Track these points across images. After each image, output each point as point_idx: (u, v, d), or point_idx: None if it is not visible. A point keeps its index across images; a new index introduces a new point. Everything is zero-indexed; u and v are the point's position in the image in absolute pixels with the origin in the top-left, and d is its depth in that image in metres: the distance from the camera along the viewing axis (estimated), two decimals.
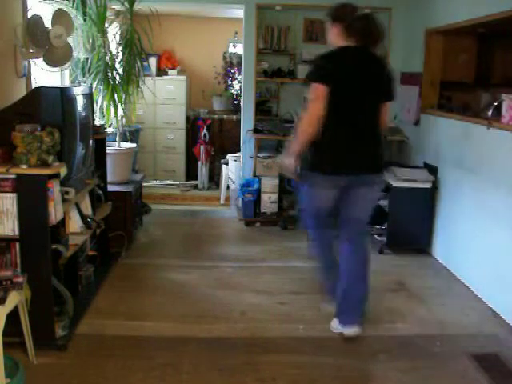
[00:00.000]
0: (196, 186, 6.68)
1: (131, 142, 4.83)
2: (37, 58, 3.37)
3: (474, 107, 4.28)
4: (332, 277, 3.07)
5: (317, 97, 2.75)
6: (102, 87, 4.21)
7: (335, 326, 3.01)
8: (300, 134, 2.84)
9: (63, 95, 2.79)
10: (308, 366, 2.69)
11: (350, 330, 2.93)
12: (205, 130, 6.49)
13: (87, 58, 4.18)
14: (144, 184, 5.21)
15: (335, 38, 2.98)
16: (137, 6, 4.28)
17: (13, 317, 2.40)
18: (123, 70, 4.32)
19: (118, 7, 4.47)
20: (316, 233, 3.10)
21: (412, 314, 3.28)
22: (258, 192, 5.04)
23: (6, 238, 2.61)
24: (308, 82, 2.83)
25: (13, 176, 2.54)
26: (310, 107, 2.79)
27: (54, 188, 2.62)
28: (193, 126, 6.82)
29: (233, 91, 7.07)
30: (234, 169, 5.76)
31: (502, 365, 2.72)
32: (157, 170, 6.87)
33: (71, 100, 2.96)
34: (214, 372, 2.60)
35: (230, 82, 7.10)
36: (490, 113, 3.49)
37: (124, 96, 4.33)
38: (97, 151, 3.55)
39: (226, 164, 5.98)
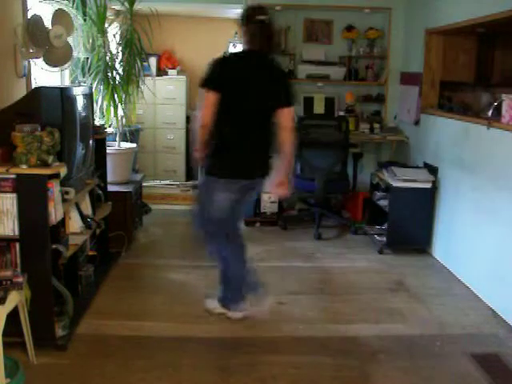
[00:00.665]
0: (196, 186, 6.67)
1: (131, 142, 4.83)
2: (37, 57, 3.37)
3: (474, 107, 4.28)
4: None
5: (206, 104, 2.74)
6: (102, 87, 4.22)
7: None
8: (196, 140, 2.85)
9: (63, 95, 2.79)
10: (308, 366, 2.69)
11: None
12: None
13: (87, 58, 4.18)
14: (144, 184, 5.21)
15: (241, 40, 2.96)
16: (137, 6, 4.28)
17: (13, 317, 2.40)
18: (123, 70, 4.32)
19: (117, 7, 4.47)
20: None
21: (412, 314, 3.28)
22: (258, 192, 5.03)
23: (5, 238, 2.61)
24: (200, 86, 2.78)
25: (13, 176, 2.54)
26: (201, 113, 2.77)
27: (54, 188, 2.62)
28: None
29: None
30: None
31: (502, 365, 2.72)
32: (157, 170, 6.87)
33: (71, 100, 2.96)
34: (214, 372, 2.60)
35: None
36: (490, 113, 3.49)
37: (124, 96, 4.34)
38: (97, 151, 3.54)
39: None
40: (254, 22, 2.84)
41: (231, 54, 2.94)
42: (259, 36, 2.82)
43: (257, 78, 2.84)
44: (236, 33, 6.88)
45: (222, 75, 2.79)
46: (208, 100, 2.74)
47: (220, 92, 2.73)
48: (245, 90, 2.80)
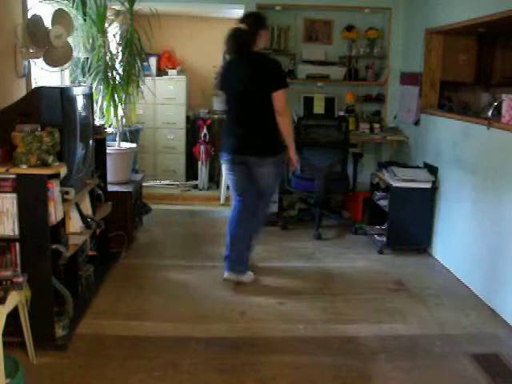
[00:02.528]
0: (196, 186, 6.67)
1: (131, 141, 4.83)
2: (37, 57, 3.37)
3: (474, 107, 4.29)
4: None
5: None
6: (102, 87, 4.21)
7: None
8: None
9: (63, 95, 2.79)
10: (308, 366, 2.69)
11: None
12: (205, 130, 6.48)
13: (87, 58, 4.18)
14: (144, 184, 5.21)
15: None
16: (137, 6, 4.28)
17: (13, 317, 2.40)
18: (123, 70, 4.32)
19: (117, 7, 4.47)
20: None
21: (412, 314, 3.28)
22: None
23: (5, 238, 2.61)
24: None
25: (13, 176, 2.54)
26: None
27: (54, 188, 2.62)
28: (193, 125, 6.82)
29: None
30: None
31: (502, 365, 2.72)
32: (157, 170, 6.87)
33: (71, 100, 2.96)
34: (213, 372, 2.60)
35: None
36: (490, 113, 3.49)
37: (124, 96, 4.33)
38: (97, 151, 3.54)
39: None
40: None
41: (230, 58, 3.62)
42: (228, 42, 3.49)
43: (239, 73, 3.46)
44: None
45: (220, 76, 3.63)
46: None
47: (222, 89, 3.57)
48: (231, 84, 3.50)
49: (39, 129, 2.64)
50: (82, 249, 3.30)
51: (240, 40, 3.43)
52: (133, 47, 4.31)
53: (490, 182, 3.48)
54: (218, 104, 3.73)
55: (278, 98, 3.37)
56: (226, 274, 3.63)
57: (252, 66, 3.46)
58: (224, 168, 3.78)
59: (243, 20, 3.50)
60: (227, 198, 5.95)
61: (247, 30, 3.41)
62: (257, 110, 3.46)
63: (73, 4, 3.80)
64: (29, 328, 2.55)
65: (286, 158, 3.66)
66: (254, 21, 3.47)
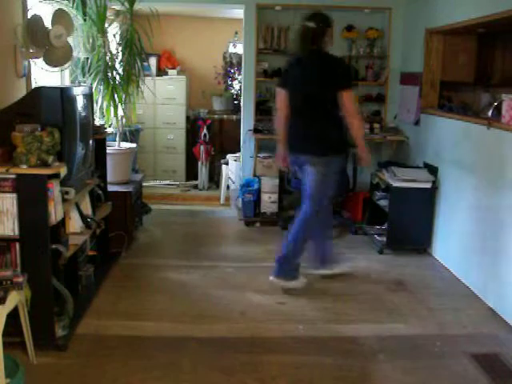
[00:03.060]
0: (196, 186, 6.68)
1: (131, 141, 4.83)
2: (37, 57, 3.37)
3: (474, 107, 4.29)
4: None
5: (277, 101, 3.54)
6: (102, 87, 4.21)
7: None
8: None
9: (63, 95, 2.79)
10: (308, 366, 2.69)
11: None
12: (205, 130, 6.49)
13: (87, 58, 4.18)
14: (144, 184, 5.21)
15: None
16: (137, 6, 4.28)
17: (13, 317, 2.40)
18: (123, 70, 4.32)
19: (117, 7, 4.46)
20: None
21: (412, 314, 3.28)
22: (258, 192, 5.04)
23: (5, 238, 2.61)
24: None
25: (13, 176, 2.54)
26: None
27: (54, 188, 2.62)
28: (193, 125, 6.82)
29: (233, 91, 7.07)
30: (233, 169, 5.77)
31: (502, 365, 2.72)
32: (157, 170, 6.87)
33: (71, 100, 2.96)
34: (214, 372, 2.60)
35: (230, 82, 7.09)
36: (490, 113, 3.49)
37: (124, 96, 4.33)
38: (97, 151, 3.54)
39: (226, 164, 5.98)
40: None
41: (293, 57, 3.63)
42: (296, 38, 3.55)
43: (306, 71, 3.43)
44: (236, 33, 6.90)
45: (285, 74, 3.65)
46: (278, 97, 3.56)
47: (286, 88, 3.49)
48: (298, 82, 3.44)
49: (39, 129, 2.64)
50: (82, 249, 3.30)
51: (310, 38, 3.38)
52: (133, 47, 4.31)
53: (490, 181, 3.48)
54: (279, 102, 3.54)
55: (347, 98, 3.31)
56: (274, 278, 3.53)
57: (321, 64, 3.41)
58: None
59: (311, 18, 3.43)
60: (227, 198, 5.96)
61: (316, 29, 3.38)
62: (322, 109, 3.40)
63: (73, 4, 3.80)
64: (29, 328, 2.55)
65: (358, 157, 3.66)
66: (322, 19, 3.43)
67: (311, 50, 3.42)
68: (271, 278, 3.52)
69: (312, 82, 3.37)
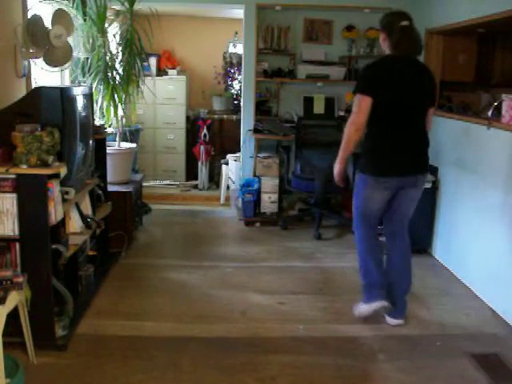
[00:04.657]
0: (196, 186, 6.68)
1: (131, 141, 4.83)
2: (37, 57, 3.37)
3: (473, 107, 4.29)
4: (379, 274, 3.22)
5: (360, 109, 2.87)
6: (102, 87, 4.21)
7: (390, 320, 3.15)
8: (346, 143, 3.01)
9: (63, 95, 2.79)
10: (308, 366, 2.69)
11: (397, 321, 3.13)
12: (205, 130, 6.49)
13: (87, 58, 4.18)
14: (144, 184, 5.21)
15: (383, 45, 3.07)
16: (137, 6, 4.28)
17: (13, 317, 2.40)
18: (123, 70, 4.32)
19: (117, 7, 4.46)
20: (365, 232, 3.25)
21: (412, 314, 3.27)
22: (258, 192, 5.04)
23: (5, 238, 2.61)
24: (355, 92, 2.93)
25: (13, 176, 2.54)
26: (355, 117, 2.90)
27: (54, 188, 2.62)
28: (193, 126, 6.82)
29: (233, 91, 7.08)
30: (233, 169, 5.77)
31: (502, 365, 2.72)
32: (157, 170, 6.87)
33: (71, 100, 2.96)
34: (214, 372, 2.60)
35: (230, 82, 7.10)
36: (490, 113, 3.49)
37: (124, 96, 4.33)
38: (97, 151, 3.54)
39: (226, 164, 5.98)
40: (400, 28, 2.95)
41: (380, 59, 3.09)
42: (405, 42, 2.94)
43: (408, 81, 2.94)
44: (236, 33, 6.91)
45: (375, 80, 2.91)
46: (363, 105, 2.86)
47: (376, 96, 2.86)
48: (399, 92, 2.91)
49: (39, 129, 2.65)
50: (81, 249, 3.30)
51: (418, 41, 2.96)
52: (133, 47, 4.31)
53: (490, 181, 3.48)
54: (364, 110, 2.93)
55: (432, 114, 3.04)
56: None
57: (422, 74, 2.99)
58: (363, 189, 3.15)
59: (406, 17, 3.02)
60: (227, 198, 5.96)
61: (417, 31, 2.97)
62: (421, 124, 3.02)
63: (73, 4, 3.80)
64: (29, 328, 2.55)
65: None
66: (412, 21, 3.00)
67: (414, 55, 3.00)
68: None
69: (414, 94, 2.95)
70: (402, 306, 3.16)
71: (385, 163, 3.00)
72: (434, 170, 4.28)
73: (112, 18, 4.49)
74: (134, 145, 4.71)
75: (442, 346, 2.90)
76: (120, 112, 4.41)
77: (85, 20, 4.01)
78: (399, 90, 2.91)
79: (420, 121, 3.01)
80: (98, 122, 4.12)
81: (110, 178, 4.00)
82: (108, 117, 4.35)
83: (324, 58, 5.37)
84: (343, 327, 3.10)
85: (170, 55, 7.03)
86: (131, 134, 5.02)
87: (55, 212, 2.63)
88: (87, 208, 3.32)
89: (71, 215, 3.02)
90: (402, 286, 3.19)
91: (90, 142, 3.34)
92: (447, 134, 4.18)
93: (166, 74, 6.82)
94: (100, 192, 3.62)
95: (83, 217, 3.14)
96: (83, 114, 3.16)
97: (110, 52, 4.25)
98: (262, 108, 5.43)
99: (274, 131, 5.05)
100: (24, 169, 2.54)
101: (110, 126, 4.38)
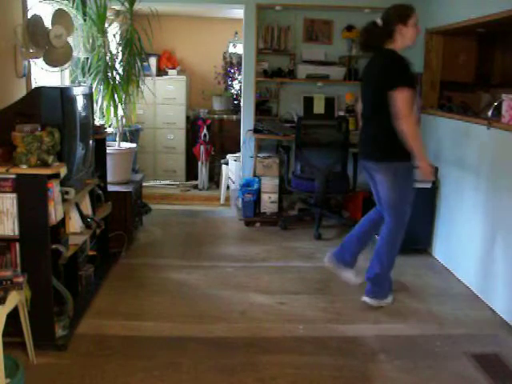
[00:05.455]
0: (196, 186, 6.68)
1: (131, 141, 4.83)
2: (37, 58, 3.37)
3: (474, 107, 4.28)
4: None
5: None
6: (102, 87, 4.22)
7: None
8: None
9: (63, 95, 2.79)
10: (308, 366, 2.69)
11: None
12: (205, 130, 6.49)
13: (87, 58, 4.18)
14: (144, 184, 5.21)
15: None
16: (137, 6, 4.28)
17: (13, 317, 2.40)
18: (123, 70, 4.32)
19: (117, 7, 4.47)
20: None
21: (412, 314, 3.28)
22: (258, 192, 5.04)
23: (6, 238, 2.61)
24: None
25: (13, 176, 2.54)
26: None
27: (54, 188, 2.62)
28: (193, 125, 6.82)
29: (233, 91, 7.08)
30: (234, 169, 5.77)
31: (502, 365, 2.72)
32: (157, 170, 6.87)
33: (71, 100, 2.96)
34: (214, 372, 2.60)
35: (230, 82, 7.10)
36: (490, 113, 3.49)
37: (124, 96, 4.33)
38: (97, 151, 3.55)
39: (226, 164, 5.98)
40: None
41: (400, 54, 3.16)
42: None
43: (368, 70, 3.29)
44: (236, 33, 6.91)
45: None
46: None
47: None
48: (363, 82, 3.36)
49: (39, 129, 2.64)
50: (81, 249, 3.30)
51: (369, 35, 3.19)
52: (133, 47, 4.31)
53: (490, 182, 3.48)
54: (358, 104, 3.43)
55: (395, 98, 3.00)
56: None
57: (377, 64, 3.20)
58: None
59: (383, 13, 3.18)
60: (227, 198, 5.96)
61: (381, 25, 3.13)
62: (378, 111, 3.15)
63: (73, 4, 3.80)
64: (29, 328, 2.55)
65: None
66: (391, 14, 3.11)
67: (374, 48, 3.24)
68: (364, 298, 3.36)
69: (370, 83, 3.26)
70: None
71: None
72: (434, 170, 4.28)
73: (112, 17, 4.49)
74: (133, 145, 4.71)
75: (441, 345, 2.90)
76: (120, 112, 4.41)
77: (85, 20, 4.01)
78: (363, 81, 3.35)
79: (374, 109, 3.18)
80: (98, 121, 4.12)
81: (110, 178, 4.00)
82: (108, 117, 4.35)
83: (324, 58, 5.37)
84: (343, 327, 3.10)
85: (170, 55, 7.03)
86: (131, 134, 5.02)
87: (55, 212, 2.63)
88: (87, 208, 3.32)
89: (71, 215, 3.02)
90: (360, 248, 3.48)
91: (90, 142, 3.34)
92: (447, 134, 4.18)
93: (166, 74, 6.82)
94: (100, 192, 3.62)
95: (83, 217, 3.14)
96: (83, 114, 3.16)
97: (110, 52, 4.25)
98: (262, 108, 5.43)
99: (274, 131, 5.05)
100: (24, 169, 2.54)
101: (109, 126, 4.38)
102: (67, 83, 4.26)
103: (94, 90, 4.01)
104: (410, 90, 3.00)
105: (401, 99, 2.98)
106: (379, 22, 3.14)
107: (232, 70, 7.03)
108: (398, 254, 3.35)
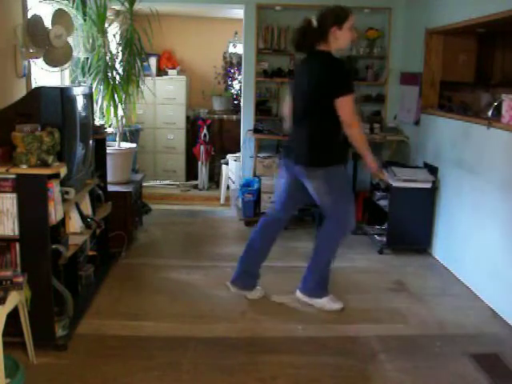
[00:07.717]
0: (196, 186, 6.68)
1: (131, 141, 4.83)
2: (37, 58, 3.37)
3: (474, 107, 4.28)
4: None
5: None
6: (102, 87, 4.21)
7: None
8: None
9: (63, 95, 2.79)
10: (308, 366, 2.69)
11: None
12: (205, 130, 6.49)
13: (87, 58, 4.18)
14: (144, 184, 5.21)
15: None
16: (137, 6, 4.28)
17: (13, 317, 2.40)
18: (123, 70, 4.32)
19: (117, 7, 4.47)
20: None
21: (412, 314, 3.28)
22: (258, 192, 5.04)
23: (5, 238, 2.61)
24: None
25: (13, 176, 2.54)
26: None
27: (54, 188, 2.62)
28: (193, 126, 6.83)
29: (233, 91, 7.08)
30: (234, 169, 5.77)
31: (502, 365, 2.72)
32: (157, 170, 6.87)
33: (71, 100, 2.96)
34: (214, 372, 2.60)
35: (230, 82, 7.10)
36: (490, 113, 3.49)
37: (124, 96, 4.33)
38: (97, 151, 3.54)
39: (226, 164, 5.98)
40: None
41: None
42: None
43: (302, 75, 3.16)
44: (236, 33, 6.91)
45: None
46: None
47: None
48: (295, 84, 3.28)
49: (39, 129, 2.64)
50: (81, 249, 3.30)
51: (302, 35, 3.07)
52: (133, 47, 4.31)
53: (490, 181, 3.48)
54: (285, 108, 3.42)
55: (342, 105, 2.96)
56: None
57: (312, 67, 3.08)
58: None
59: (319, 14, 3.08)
60: (227, 198, 5.96)
61: (316, 26, 3.03)
62: (312, 114, 3.08)
63: (73, 4, 3.80)
64: (29, 328, 2.55)
65: (367, 168, 3.34)
66: (327, 15, 3.05)
67: (308, 49, 3.15)
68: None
69: (304, 87, 3.17)
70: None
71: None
72: (433, 170, 4.28)
73: (112, 17, 4.49)
74: (133, 145, 4.71)
75: (442, 346, 2.90)
76: (120, 112, 4.41)
77: (85, 20, 4.01)
78: (295, 84, 3.29)
79: (307, 113, 3.10)
80: (98, 121, 4.12)
81: (110, 178, 4.00)
82: (108, 117, 4.35)
83: None
84: (343, 327, 3.10)
85: (170, 55, 7.04)
86: (131, 134, 5.02)
87: (55, 212, 2.63)
88: (87, 208, 3.32)
89: (71, 215, 3.02)
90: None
91: (90, 142, 3.34)
92: (447, 134, 4.18)
93: (166, 74, 6.83)
94: (100, 192, 3.62)
95: (83, 217, 3.14)
96: (83, 114, 3.16)
97: (110, 52, 4.25)
98: (262, 108, 5.43)
99: (274, 131, 5.05)
100: (24, 169, 2.54)
101: (110, 126, 4.38)
102: (67, 83, 4.26)
103: (94, 90, 4.01)
104: (352, 94, 2.99)
105: (347, 107, 2.96)
106: (314, 22, 3.03)
107: (232, 70, 7.03)
108: (335, 255, 3.34)
